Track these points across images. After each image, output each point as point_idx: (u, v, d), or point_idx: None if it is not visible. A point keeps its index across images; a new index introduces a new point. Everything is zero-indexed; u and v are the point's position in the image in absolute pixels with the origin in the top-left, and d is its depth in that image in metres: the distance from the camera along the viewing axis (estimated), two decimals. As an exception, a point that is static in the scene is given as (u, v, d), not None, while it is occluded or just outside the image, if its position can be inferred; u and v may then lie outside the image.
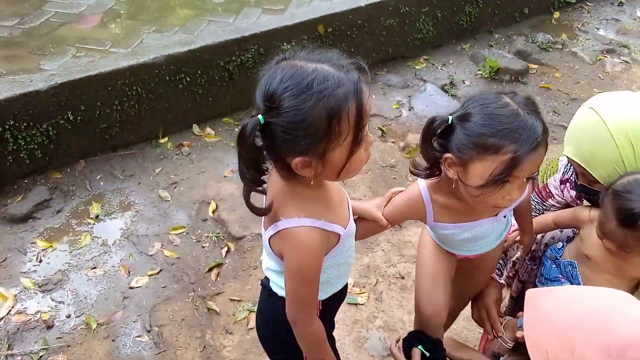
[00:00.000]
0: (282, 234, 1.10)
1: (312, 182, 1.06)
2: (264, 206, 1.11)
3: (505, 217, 1.37)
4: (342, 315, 2.20)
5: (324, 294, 1.25)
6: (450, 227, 1.35)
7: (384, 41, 3.87)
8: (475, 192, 1.18)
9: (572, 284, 1.43)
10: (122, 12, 3.75)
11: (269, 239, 1.14)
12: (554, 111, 3.63)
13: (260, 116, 0.97)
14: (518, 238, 1.55)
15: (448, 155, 1.19)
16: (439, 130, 1.19)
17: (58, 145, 2.86)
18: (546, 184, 1.54)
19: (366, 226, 1.37)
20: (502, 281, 1.58)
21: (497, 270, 1.58)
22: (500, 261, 1.58)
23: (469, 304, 1.66)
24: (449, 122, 1.18)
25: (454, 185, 1.23)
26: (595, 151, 1.24)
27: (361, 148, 1.04)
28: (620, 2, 5.14)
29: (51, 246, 2.50)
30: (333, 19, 3.57)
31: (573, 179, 1.47)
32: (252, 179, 1.03)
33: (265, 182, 1.05)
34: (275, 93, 0.97)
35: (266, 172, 1.04)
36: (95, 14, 3.68)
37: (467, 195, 1.22)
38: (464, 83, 3.81)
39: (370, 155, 1.11)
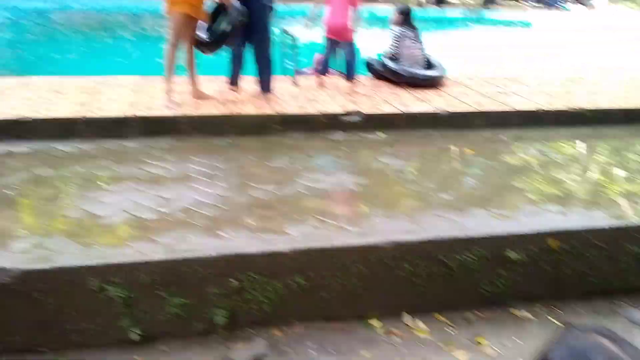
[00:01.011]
0: None
1: None
2: None
3: None
4: None
5: None
6: None
7: (626, 269, 3.46)
8: None
9: None
10: (357, 194, 4.23)
11: None
12: None
13: None
14: None
15: None
16: None
17: (284, 303, 3.11)
18: None
19: None
20: None
21: None
22: None
23: None
24: None
25: None
26: None
27: None
28: None
29: (255, 406, 2.55)
30: (567, 235, 3.39)
31: None
32: None
33: None
34: None
35: None
36: (336, 192, 4.22)
37: None
38: None
39: None
